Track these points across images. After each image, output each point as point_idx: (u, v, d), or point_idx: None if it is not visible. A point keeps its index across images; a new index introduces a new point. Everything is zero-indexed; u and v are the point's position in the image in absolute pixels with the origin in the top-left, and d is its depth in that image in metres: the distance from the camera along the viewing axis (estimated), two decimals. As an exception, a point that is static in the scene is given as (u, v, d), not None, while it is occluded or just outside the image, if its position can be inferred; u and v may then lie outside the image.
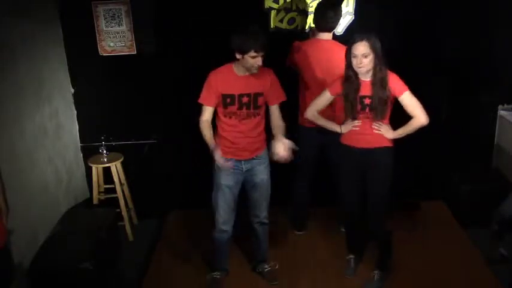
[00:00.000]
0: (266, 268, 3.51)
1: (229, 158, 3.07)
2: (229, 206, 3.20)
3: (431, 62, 3.90)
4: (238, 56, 2.87)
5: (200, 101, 3.04)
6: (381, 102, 3.00)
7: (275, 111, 3.12)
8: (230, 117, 3.02)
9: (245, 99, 2.98)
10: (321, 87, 3.53)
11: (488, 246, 3.72)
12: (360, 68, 2.95)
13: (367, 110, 3.05)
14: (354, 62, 2.95)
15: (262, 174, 3.19)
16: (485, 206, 3.87)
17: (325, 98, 3.22)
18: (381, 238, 3.38)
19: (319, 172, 3.91)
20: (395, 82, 3.01)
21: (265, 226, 3.37)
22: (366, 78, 3.02)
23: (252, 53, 2.82)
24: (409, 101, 3.00)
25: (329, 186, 3.97)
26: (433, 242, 3.87)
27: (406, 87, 3.01)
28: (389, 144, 3.15)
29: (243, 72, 2.97)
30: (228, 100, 2.97)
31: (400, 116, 3.07)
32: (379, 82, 2.97)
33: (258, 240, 3.43)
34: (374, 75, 2.98)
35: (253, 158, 3.14)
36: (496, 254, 3.59)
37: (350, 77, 3.03)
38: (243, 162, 3.13)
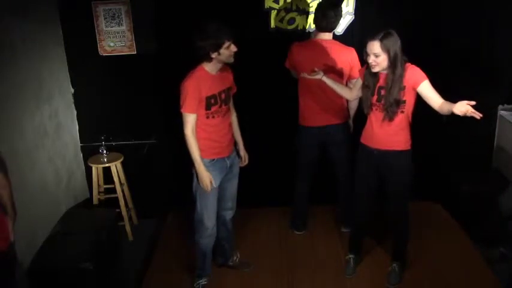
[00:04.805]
0: (236, 258, 3.61)
1: (217, 158, 3.11)
2: (216, 206, 3.26)
3: (431, 62, 3.89)
4: (213, 55, 2.89)
5: (186, 110, 2.94)
6: (394, 96, 2.96)
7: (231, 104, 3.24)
8: (213, 117, 3.04)
9: (223, 96, 3.05)
10: (321, 87, 3.52)
11: (488, 246, 3.72)
12: (373, 66, 2.96)
13: (382, 101, 3.03)
14: (368, 59, 2.97)
15: (237, 165, 3.30)
16: (485, 206, 3.88)
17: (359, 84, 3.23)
18: (403, 231, 3.39)
19: (319, 172, 3.91)
20: (412, 74, 2.95)
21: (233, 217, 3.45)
22: (384, 70, 3.00)
23: (226, 43, 2.86)
24: (426, 93, 2.93)
25: (329, 186, 3.98)
26: (433, 242, 3.87)
27: (424, 78, 2.94)
28: (404, 148, 3.12)
29: (215, 71, 3.01)
30: (212, 101, 2.99)
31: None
32: (391, 82, 2.94)
33: (229, 233, 3.48)
34: (388, 74, 2.97)
35: (232, 152, 3.24)
36: (496, 254, 3.59)
37: (368, 68, 3.04)
38: (226, 158, 3.18)
